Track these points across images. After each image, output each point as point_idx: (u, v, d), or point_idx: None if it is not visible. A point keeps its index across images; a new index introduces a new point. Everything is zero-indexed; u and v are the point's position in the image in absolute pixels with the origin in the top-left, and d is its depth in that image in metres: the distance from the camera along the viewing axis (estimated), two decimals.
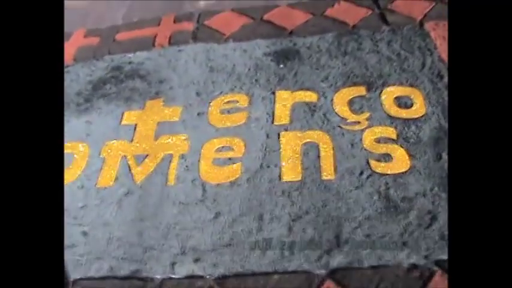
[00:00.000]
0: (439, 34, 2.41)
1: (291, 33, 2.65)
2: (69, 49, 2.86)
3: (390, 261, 1.58)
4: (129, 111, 2.30)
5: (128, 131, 2.19)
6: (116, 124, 2.25)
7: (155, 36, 2.82)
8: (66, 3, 3.08)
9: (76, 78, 2.62)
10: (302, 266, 1.61)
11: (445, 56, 2.26)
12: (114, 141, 2.16)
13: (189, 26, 2.85)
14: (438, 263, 1.56)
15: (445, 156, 1.83)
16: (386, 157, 1.87)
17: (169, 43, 2.74)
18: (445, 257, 1.56)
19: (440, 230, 1.62)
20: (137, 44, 2.79)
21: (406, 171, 1.81)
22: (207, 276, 1.63)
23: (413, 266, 1.56)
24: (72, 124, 2.31)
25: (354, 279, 1.55)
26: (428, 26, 2.46)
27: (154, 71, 2.54)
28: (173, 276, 1.65)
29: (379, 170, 1.83)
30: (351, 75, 2.28)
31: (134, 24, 3.00)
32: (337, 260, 1.61)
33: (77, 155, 2.14)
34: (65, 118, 2.36)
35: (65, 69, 2.71)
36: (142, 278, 1.67)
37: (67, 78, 2.64)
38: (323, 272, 1.59)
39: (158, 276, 1.66)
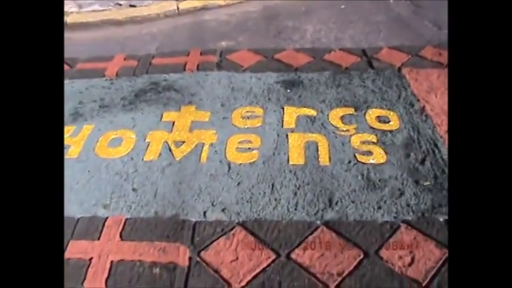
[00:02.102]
0: (412, 77, 3.24)
1: (296, 69, 3.45)
2: (112, 68, 3.61)
3: (368, 218, 2.24)
4: (168, 112, 3.00)
5: (167, 125, 2.89)
6: (157, 120, 2.94)
7: (185, 64, 3.59)
8: (107, 31, 3.89)
9: (120, 88, 3.33)
10: (303, 217, 2.25)
11: (416, 91, 3.08)
12: (157, 131, 2.84)
13: (214, 58, 3.65)
14: (404, 221, 2.23)
15: (412, 155, 2.57)
16: (369, 153, 2.60)
17: (198, 69, 3.51)
18: (409, 218, 2.23)
19: (406, 201, 2.31)
20: (170, 68, 3.54)
21: (383, 163, 2.53)
22: (232, 220, 2.26)
23: (385, 222, 2.22)
24: (119, 118, 2.99)
25: (341, 227, 2.20)
26: (404, 70, 3.31)
27: (186, 87, 3.28)
28: (205, 219, 2.28)
29: (363, 160, 2.54)
30: (343, 100, 3.06)
31: (167, 53, 3.78)
32: (330, 215, 2.27)
33: (125, 139, 2.80)
34: (113, 114, 3.03)
35: (110, 82, 3.41)
36: (180, 220, 2.29)
37: (112, 88, 3.35)
38: (318, 222, 2.24)
39: (193, 220, 2.28)
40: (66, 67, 3.61)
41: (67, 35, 4.11)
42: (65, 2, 4.64)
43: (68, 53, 3.54)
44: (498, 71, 1.26)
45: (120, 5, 4.53)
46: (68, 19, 4.33)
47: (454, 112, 1.32)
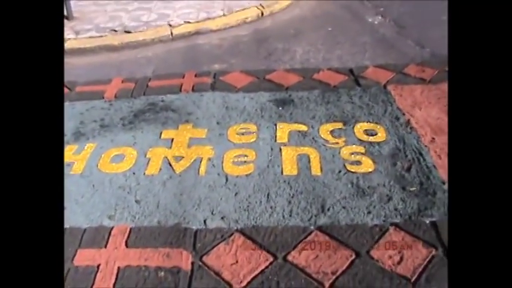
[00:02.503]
0: (397, 93, 3.48)
1: (287, 88, 3.68)
2: (111, 90, 3.81)
3: (359, 222, 2.43)
4: (166, 130, 3.20)
5: (166, 142, 3.08)
6: (156, 138, 3.13)
7: (181, 85, 3.81)
8: (104, 56, 4.10)
9: (119, 109, 3.53)
10: (298, 223, 2.43)
11: (401, 106, 3.31)
12: (156, 147, 3.03)
13: (208, 80, 3.87)
14: (392, 223, 2.42)
15: (399, 164, 2.78)
16: (358, 163, 2.80)
17: (193, 90, 3.73)
18: (397, 220, 2.42)
19: (394, 206, 2.50)
20: (167, 90, 3.75)
21: (371, 171, 2.73)
22: (231, 227, 2.44)
23: (375, 225, 2.41)
24: (120, 137, 3.17)
25: (334, 231, 2.38)
26: (389, 87, 3.55)
27: (183, 107, 3.48)
28: (205, 227, 2.45)
29: (352, 170, 2.74)
30: (332, 116, 3.27)
31: (163, 76, 4.00)
32: (323, 220, 2.45)
33: (126, 155, 2.99)
34: (113, 133, 3.21)
35: (109, 103, 3.61)
36: (182, 228, 2.46)
37: (111, 109, 3.55)
38: (312, 227, 2.42)
39: (194, 227, 2.45)
40: (66, 90, 3.80)
41: (65, 60, 4.32)
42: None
43: (67, 77, 3.76)
44: (495, 75, 1.31)
45: (116, 31, 4.76)
46: (65, 45, 4.54)
47: (453, 115, 1.38)
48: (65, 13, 5.07)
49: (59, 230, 1.35)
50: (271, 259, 2.16)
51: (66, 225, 2.43)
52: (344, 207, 2.43)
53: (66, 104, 3.59)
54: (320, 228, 2.33)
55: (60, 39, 1.48)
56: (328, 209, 2.42)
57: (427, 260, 2.13)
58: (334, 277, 2.08)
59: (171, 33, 4.68)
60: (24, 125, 1.31)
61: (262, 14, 5.09)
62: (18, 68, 1.33)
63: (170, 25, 4.81)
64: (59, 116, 1.40)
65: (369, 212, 2.39)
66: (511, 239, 1.19)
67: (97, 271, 2.16)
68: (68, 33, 4.74)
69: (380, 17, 4.97)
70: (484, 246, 1.21)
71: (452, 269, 1.26)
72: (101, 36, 4.68)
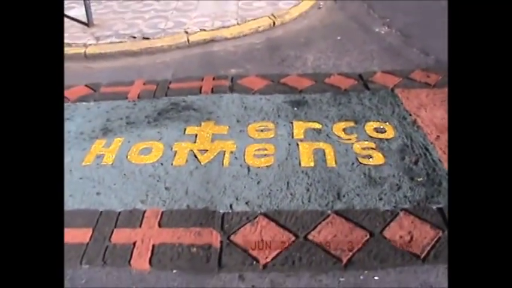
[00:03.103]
0: (404, 95, 3.78)
1: (300, 91, 3.97)
2: (134, 91, 4.10)
3: (372, 207, 2.70)
4: (190, 127, 3.48)
5: (190, 137, 3.36)
6: (180, 133, 3.41)
7: (201, 87, 4.10)
8: (124, 61, 4.39)
9: (143, 108, 3.82)
10: (316, 208, 2.70)
11: (408, 108, 3.60)
12: (182, 142, 3.31)
13: (226, 83, 4.16)
14: (402, 209, 2.68)
15: (407, 158, 3.06)
16: (369, 157, 3.08)
17: (212, 92, 4.02)
18: (406, 206, 2.70)
19: (403, 194, 2.77)
20: (187, 91, 4.04)
21: (382, 164, 3.01)
22: (255, 211, 2.72)
23: (387, 210, 2.68)
24: (147, 132, 3.45)
25: (349, 215, 2.65)
26: (397, 90, 3.84)
27: (204, 107, 3.77)
28: (231, 211, 2.73)
29: (364, 162, 3.03)
30: (344, 116, 3.56)
31: (182, 79, 4.29)
32: (339, 205, 2.71)
33: (153, 148, 3.26)
34: (139, 129, 3.48)
35: (133, 103, 3.90)
36: (211, 212, 2.73)
37: (136, 108, 3.83)
38: (329, 211, 2.70)
39: (221, 211, 2.72)
40: (90, 91, 4.09)
41: (87, 64, 4.65)
42: (84, 35, 5.19)
43: (89, 80, 4.08)
44: (494, 79, 1.41)
45: (135, 37, 5.07)
46: (87, 50, 4.85)
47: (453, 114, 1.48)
48: (86, 20, 5.37)
49: (58, 232, 1.41)
50: (293, 238, 2.42)
51: (101, 209, 2.68)
52: (358, 195, 2.69)
53: (92, 103, 3.87)
54: (337, 212, 2.59)
55: (60, 39, 1.58)
56: (344, 196, 2.69)
57: (435, 240, 2.39)
58: (351, 253, 2.33)
59: (188, 40, 4.98)
60: (24, 125, 1.37)
61: (274, 23, 5.41)
62: (18, 68, 1.40)
63: (187, 32, 5.12)
64: (58, 117, 1.48)
65: (381, 199, 2.66)
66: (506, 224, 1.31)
67: (133, 248, 2.41)
68: (88, 39, 5.04)
69: (386, 27, 5.29)
70: (482, 230, 1.33)
71: (452, 250, 1.39)
72: (121, 42, 4.98)
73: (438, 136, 3.16)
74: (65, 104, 3.84)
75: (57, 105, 1.46)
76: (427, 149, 3.02)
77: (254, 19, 5.40)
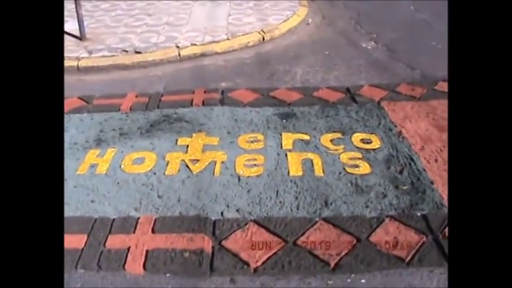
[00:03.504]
0: (390, 108, 3.94)
1: (289, 104, 4.11)
2: (126, 103, 4.21)
3: (358, 214, 2.83)
4: (182, 138, 3.60)
5: (182, 148, 3.47)
6: (172, 144, 3.53)
7: (192, 100, 4.22)
8: (116, 74, 4.52)
9: (136, 120, 3.94)
10: (304, 215, 2.82)
11: (394, 120, 3.76)
12: (174, 152, 3.43)
13: (216, 96, 4.30)
14: (388, 216, 2.82)
15: (392, 167, 3.21)
16: (356, 166, 3.22)
17: (203, 104, 4.14)
18: (392, 213, 2.83)
19: (389, 201, 2.89)
20: (179, 104, 4.16)
21: (368, 173, 3.14)
22: (246, 218, 2.83)
23: (373, 217, 2.81)
24: (139, 143, 3.56)
25: (337, 221, 2.77)
26: (383, 103, 4.00)
27: (195, 119, 3.90)
28: (222, 218, 2.84)
29: (351, 172, 3.17)
30: (331, 127, 3.70)
31: (174, 92, 4.42)
32: (326, 213, 2.83)
33: (146, 158, 3.37)
34: (132, 140, 3.60)
35: (126, 115, 4.01)
36: (202, 218, 2.84)
37: (128, 120, 3.94)
38: (317, 218, 2.82)
39: (213, 218, 2.83)
40: (83, 103, 4.20)
41: (80, 77, 4.77)
42: (77, 48, 5.31)
43: (82, 92, 4.19)
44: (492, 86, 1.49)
45: (127, 51, 5.21)
46: (79, 63, 4.97)
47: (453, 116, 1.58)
48: (78, 34, 5.50)
49: (58, 237, 1.46)
50: (282, 243, 2.54)
51: (96, 216, 2.77)
52: (345, 202, 2.82)
53: (85, 115, 3.98)
54: (324, 219, 2.71)
55: (60, 45, 1.62)
56: (331, 204, 2.81)
57: (419, 244, 2.52)
58: (338, 257, 2.45)
59: (179, 54, 5.13)
60: (25, 132, 1.43)
61: (263, 38, 5.58)
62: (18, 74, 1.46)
63: (178, 47, 5.26)
64: (58, 124, 1.54)
65: (367, 206, 2.79)
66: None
67: (127, 253, 2.51)
68: (81, 53, 5.17)
69: (373, 43, 5.49)
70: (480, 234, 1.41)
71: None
72: (113, 55, 5.11)
73: (422, 147, 3.31)
74: None
75: (57, 113, 1.52)
76: (412, 159, 3.17)
77: (244, 34, 5.56)
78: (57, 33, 1.59)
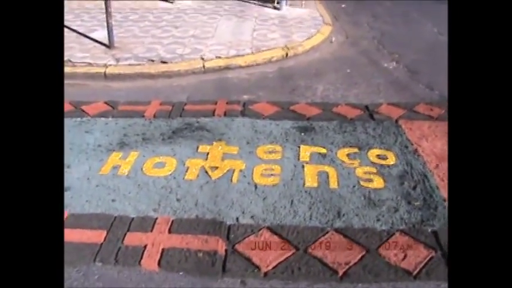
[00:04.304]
0: (407, 126, 4.04)
1: (308, 118, 4.24)
2: (150, 110, 4.40)
3: (369, 227, 2.93)
4: (202, 145, 3.75)
5: (202, 155, 3.63)
6: (193, 151, 3.68)
7: (214, 110, 4.39)
8: (142, 82, 4.72)
9: (159, 126, 4.11)
10: (317, 225, 2.93)
11: (410, 138, 3.86)
12: (194, 159, 3.59)
13: (238, 107, 4.46)
14: (398, 229, 2.91)
15: (406, 183, 3.31)
16: (370, 180, 3.33)
17: (225, 115, 4.30)
18: (403, 227, 2.92)
19: (400, 216, 2.98)
20: (201, 113, 4.33)
21: (381, 188, 3.25)
22: (260, 224, 2.96)
23: (383, 230, 2.91)
24: (161, 148, 3.73)
25: (348, 232, 2.87)
26: (401, 122, 4.11)
27: (216, 128, 4.05)
28: (237, 223, 2.97)
29: (365, 185, 3.28)
30: (348, 142, 3.82)
31: (197, 101, 4.59)
32: (338, 224, 2.94)
33: (167, 163, 3.54)
34: (154, 145, 3.76)
35: (149, 121, 4.19)
36: (218, 222, 2.97)
37: (151, 126, 4.12)
38: (329, 228, 2.93)
39: (228, 223, 2.96)
40: (109, 108, 4.40)
41: (106, 83, 4.99)
42: (105, 56, 5.56)
43: (108, 98, 4.40)
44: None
45: (153, 61, 5.42)
46: (107, 70, 5.20)
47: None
48: (107, 42, 5.76)
49: (58, 236, 1.47)
50: (293, 250, 2.64)
51: (116, 214, 2.93)
52: (357, 215, 2.93)
53: (110, 119, 4.17)
54: (336, 230, 2.81)
55: (60, 47, 1.59)
56: (343, 215, 2.92)
57: (427, 259, 2.59)
58: (347, 267, 2.54)
59: (203, 66, 5.32)
60: (26, 131, 1.44)
61: (287, 54, 5.75)
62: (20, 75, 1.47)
63: (203, 59, 5.46)
64: (58, 124, 1.54)
65: (378, 220, 2.89)
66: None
67: (144, 250, 2.65)
68: (109, 60, 5.40)
69: (395, 63, 5.61)
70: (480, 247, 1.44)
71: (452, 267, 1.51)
72: (139, 64, 5.33)
73: (437, 165, 3.39)
74: (85, 118, 4.15)
75: (57, 112, 1.53)
76: (425, 176, 3.26)
77: (268, 49, 5.74)
78: (57, 33, 1.59)
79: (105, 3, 5.47)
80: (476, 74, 1.59)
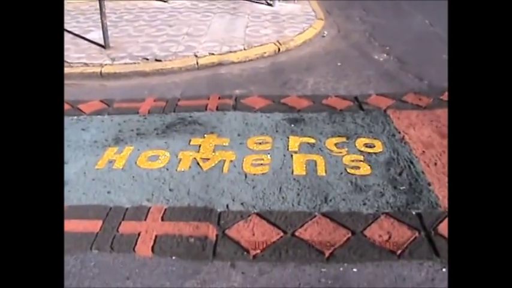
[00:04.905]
0: (395, 116, 4.14)
1: (299, 110, 4.35)
2: (145, 107, 4.52)
3: (356, 210, 3.04)
4: (194, 138, 3.87)
5: (194, 147, 3.74)
6: (185, 144, 3.80)
7: (206, 105, 4.50)
8: (136, 80, 4.86)
9: (153, 121, 4.23)
10: (304, 209, 3.05)
11: (398, 127, 3.97)
12: (186, 151, 3.71)
13: (230, 102, 4.57)
14: (384, 213, 3.02)
15: (392, 169, 3.43)
16: (357, 168, 3.44)
17: (217, 109, 4.42)
18: (388, 210, 3.04)
19: (386, 200, 3.08)
20: (194, 108, 4.44)
21: (368, 174, 3.36)
22: (249, 210, 3.08)
23: (369, 213, 3.03)
24: (155, 142, 3.85)
25: (334, 216, 2.98)
26: (389, 111, 4.21)
27: (208, 122, 4.17)
28: (228, 210, 3.09)
29: (352, 172, 3.39)
30: (337, 132, 3.93)
31: (190, 97, 4.71)
32: (325, 208, 3.05)
33: (160, 156, 3.66)
34: (148, 140, 3.87)
35: (144, 117, 4.31)
36: (209, 209, 3.09)
37: (146, 122, 4.24)
38: (316, 213, 3.04)
39: (218, 210, 3.08)
40: (104, 106, 4.52)
41: (102, 82, 5.12)
42: (100, 56, 5.68)
43: (104, 96, 4.52)
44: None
45: (147, 59, 5.55)
46: (102, 70, 5.32)
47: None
48: (103, 43, 5.89)
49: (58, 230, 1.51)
50: (281, 234, 2.76)
51: (111, 205, 3.05)
52: (344, 200, 3.04)
53: (106, 116, 4.30)
54: (323, 214, 2.92)
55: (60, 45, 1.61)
56: (330, 200, 3.03)
57: (411, 239, 2.71)
58: (332, 248, 2.66)
59: (197, 63, 5.44)
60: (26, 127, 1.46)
61: (279, 50, 5.87)
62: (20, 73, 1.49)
63: (196, 56, 5.59)
64: (58, 121, 1.56)
65: (364, 204, 3.00)
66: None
67: (138, 237, 2.77)
68: (104, 60, 5.53)
69: (385, 55, 5.72)
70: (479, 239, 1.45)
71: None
72: (134, 63, 5.45)
73: (423, 151, 3.51)
74: (81, 117, 4.27)
75: (57, 111, 1.56)
76: (411, 162, 3.37)
77: (260, 45, 5.87)
78: (57, 33, 1.63)
79: (100, 4, 5.59)
80: (476, 73, 1.60)
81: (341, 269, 2.52)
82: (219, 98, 4.55)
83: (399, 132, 3.76)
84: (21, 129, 1.45)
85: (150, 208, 2.96)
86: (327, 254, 2.59)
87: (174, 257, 2.59)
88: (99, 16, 5.74)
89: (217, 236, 2.72)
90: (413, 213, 2.87)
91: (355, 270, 2.51)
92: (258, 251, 2.61)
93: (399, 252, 2.60)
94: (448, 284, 1.92)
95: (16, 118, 1.46)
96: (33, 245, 1.39)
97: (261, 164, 3.38)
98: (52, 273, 1.39)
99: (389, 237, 2.68)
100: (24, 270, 1.35)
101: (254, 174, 3.27)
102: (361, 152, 3.50)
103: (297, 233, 2.72)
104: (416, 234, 2.71)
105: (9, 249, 1.34)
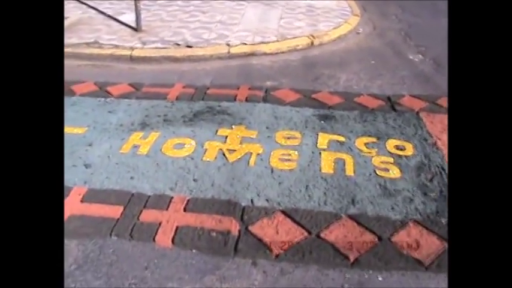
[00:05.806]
0: (428, 120, 3.98)
1: (330, 107, 4.22)
2: (173, 93, 4.44)
3: (383, 215, 2.92)
4: (222, 129, 3.78)
5: (221, 138, 3.65)
6: (212, 134, 3.71)
7: (236, 95, 4.41)
8: (166, 65, 4.76)
9: (180, 108, 4.15)
10: (331, 210, 2.94)
11: (431, 131, 3.81)
12: (213, 141, 3.62)
13: (260, 93, 4.47)
14: (412, 219, 2.89)
15: (423, 175, 3.27)
16: (386, 170, 3.30)
17: (246, 100, 4.32)
18: (417, 217, 2.90)
19: (415, 206, 2.95)
20: (223, 97, 4.35)
21: (398, 178, 3.22)
22: (274, 207, 2.97)
23: (397, 219, 2.90)
24: (181, 130, 3.77)
25: (361, 219, 2.86)
26: (422, 114, 4.05)
27: (237, 113, 4.07)
28: (252, 205, 2.99)
29: (381, 175, 3.25)
30: (368, 132, 3.79)
31: (220, 86, 4.62)
32: (352, 210, 2.93)
33: (186, 144, 3.58)
34: (175, 127, 3.80)
35: (171, 103, 4.23)
36: (233, 203, 3.00)
37: (173, 108, 4.17)
38: (343, 214, 2.92)
39: (243, 204, 2.99)
40: (133, 89, 4.46)
41: (132, 65, 5.05)
42: (132, 39, 5.63)
43: (133, 80, 4.46)
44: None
45: (179, 44, 5.47)
46: (133, 53, 5.26)
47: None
48: (135, 25, 5.82)
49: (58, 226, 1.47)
50: (306, 234, 2.65)
51: (133, 191, 2.98)
52: (371, 203, 2.91)
53: (133, 100, 4.24)
54: (349, 216, 2.80)
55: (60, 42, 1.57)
56: (358, 202, 2.91)
57: (440, 250, 2.57)
58: (358, 253, 2.54)
59: (229, 52, 5.34)
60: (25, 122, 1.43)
61: (312, 43, 5.72)
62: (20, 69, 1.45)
63: (228, 44, 5.48)
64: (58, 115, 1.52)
65: (393, 209, 2.87)
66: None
67: (159, 227, 2.70)
68: (135, 43, 5.47)
69: (420, 55, 5.52)
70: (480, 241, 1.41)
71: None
72: (165, 48, 5.38)
73: None
74: (109, 99, 4.23)
75: (57, 109, 1.52)
76: (443, 169, 3.22)
77: (293, 37, 5.72)
78: (57, 33, 1.58)
79: None
80: (476, 73, 1.56)
81: (366, 276, 2.41)
82: (249, 88, 4.45)
83: (432, 137, 3.60)
84: (21, 128, 1.42)
85: (172, 197, 2.88)
86: (351, 258, 2.49)
87: (194, 250, 2.52)
88: None
89: (239, 231, 2.64)
90: (443, 221, 2.72)
91: (380, 278, 2.41)
92: (281, 251, 2.52)
93: (427, 262, 2.47)
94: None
95: (16, 117, 1.43)
96: (33, 245, 1.36)
97: (289, 160, 3.27)
98: (52, 273, 1.37)
99: (418, 246, 2.56)
100: (24, 270, 1.32)
101: (281, 170, 3.17)
102: (392, 154, 3.36)
103: (322, 234, 2.62)
104: (446, 245, 2.56)
105: (9, 249, 1.32)
